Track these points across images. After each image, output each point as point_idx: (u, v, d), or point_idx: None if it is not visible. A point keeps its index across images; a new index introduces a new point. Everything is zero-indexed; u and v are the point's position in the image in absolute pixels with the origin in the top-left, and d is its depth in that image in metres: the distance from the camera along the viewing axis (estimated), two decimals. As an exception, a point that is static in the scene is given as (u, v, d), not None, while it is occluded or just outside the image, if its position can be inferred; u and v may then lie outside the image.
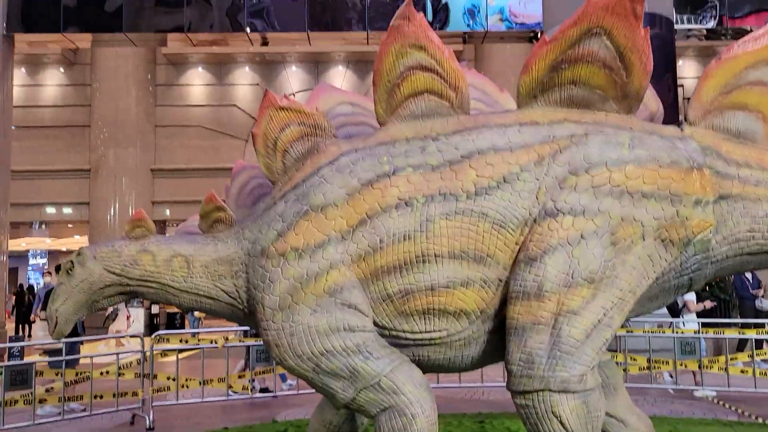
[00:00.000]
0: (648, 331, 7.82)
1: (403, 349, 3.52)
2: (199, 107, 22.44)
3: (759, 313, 10.52)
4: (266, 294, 3.44)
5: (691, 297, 8.42)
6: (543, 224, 3.35)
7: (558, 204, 3.35)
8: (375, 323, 3.46)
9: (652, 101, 3.97)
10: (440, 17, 17.21)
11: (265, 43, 19.79)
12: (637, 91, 3.52)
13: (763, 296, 10.62)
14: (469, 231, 3.37)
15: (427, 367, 3.60)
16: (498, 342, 3.46)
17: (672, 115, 11.20)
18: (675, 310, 8.65)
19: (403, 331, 3.48)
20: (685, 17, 15.44)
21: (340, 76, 22.29)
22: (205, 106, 22.42)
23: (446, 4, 17.48)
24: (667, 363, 7.45)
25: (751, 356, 7.29)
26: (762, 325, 8.34)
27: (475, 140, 3.50)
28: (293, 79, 22.83)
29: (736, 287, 11.33)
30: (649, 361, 7.46)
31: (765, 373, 6.77)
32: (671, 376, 8.34)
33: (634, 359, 7.67)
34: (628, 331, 7.75)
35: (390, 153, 3.52)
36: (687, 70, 23.44)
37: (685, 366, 7.47)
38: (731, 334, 7.96)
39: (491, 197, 3.39)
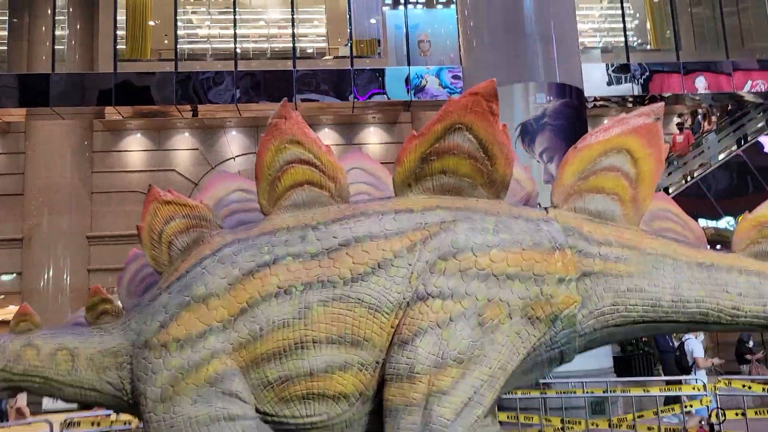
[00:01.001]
0: (561, 392, 8.04)
1: None
2: (137, 172, 22.31)
3: (681, 367, 10.78)
4: (148, 386, 3.51)
5: (700, 354, 8.65)
6: (415, 308, 3.54)
7: (428, 288, 3.56)
8: (257, 410, 3.56)
9: (528, 183, 4.29)
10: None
11: (195, 113, 20.03)
12: (502, 178, 3.82)
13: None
14: (346, 316, 3.53)
15: None
16: (380, 423, 3.59)
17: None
18: (685, 368, 8.80)
19: (285, 417, 3.58)
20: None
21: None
22: (144, 171, 22.31)
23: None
24: (580, 423, 7.67)
25: (656, 413, 7.58)
26: (679, 382, 8.59)
27: (353, 228, 3.71)
28: (233, 143, 23.00)
29: (658, 341, 11.73)
30: (562, 422, 7.67)
31: (673, 430, 7.04)
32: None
33: (549, 420, 7.86)
34: (542, 393, 7.96)
35: (271, 242, 3.69)
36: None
37: (597, 425, 7.70)
38: (642, 391, 8.24)
39: (367, 283, 3.57)
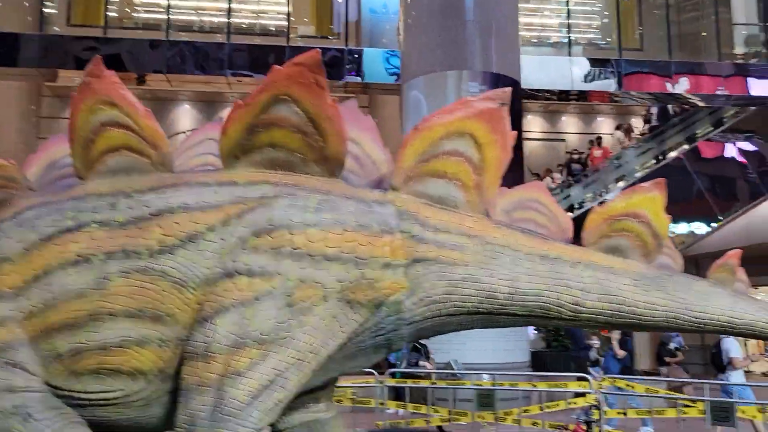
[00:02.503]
0: (450, 384, 7.99)
1: (80, 410, 3.42)
2: (83, 140, 21.74)
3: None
4: None
5: (736, 354, 8.56)
6: (220, 284, 3.36)
7: (236, 265, 3.38)
8: (48, 383, 3.36)
9: (384, 165, 4.12)
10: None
11: (141, 81, 19.52)
12: (336, 155, 3.63)
13: (592, 345, 11.00)
14: (147, 289, 3.34)
15: (112, 428, 3.51)
16: None
17: (516, 169, 11.76)
18: (720, 366, 8.73)
19: (77, 391, 3.39)
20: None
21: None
22: (90, 139, 21.73)
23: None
24: (466, 414, 7.62)
25: (541, 408, 7.56)
26: (585, 379, 8.54)
27: (169, 198, 3.50)
28: (185, 116, 22.57)
29: (574, 338, 11.80)
30: (450, 413, 7.62)
31: (557, 426, 7.02)
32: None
33: (437, 410, 7.81)
34: (432, 383, 7.91)
35: (77, 208, 3.47)
36: (569, 126, 24.78)
37: (483, 418, 7.66)
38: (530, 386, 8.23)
39: (174, 256, 3.38)
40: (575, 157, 18.62)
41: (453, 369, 9.81)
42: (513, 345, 11.40)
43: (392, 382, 7.83)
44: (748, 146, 17.08)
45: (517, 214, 4.14)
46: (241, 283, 3.35)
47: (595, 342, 11.20)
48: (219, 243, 3.42)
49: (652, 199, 4.08)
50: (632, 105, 19.15)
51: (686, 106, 16.91)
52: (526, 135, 24.48)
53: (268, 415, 3.35)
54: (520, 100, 12.43)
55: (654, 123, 16.89)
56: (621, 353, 9.73)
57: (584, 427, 6.84)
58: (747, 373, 21.04)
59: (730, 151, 16.64)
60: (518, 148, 11.98)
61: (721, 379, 8.67)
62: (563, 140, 24.10)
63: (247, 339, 3.29)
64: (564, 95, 15.83)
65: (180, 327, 3.37)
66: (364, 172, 4.00)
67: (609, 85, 14.63)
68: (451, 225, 3.77)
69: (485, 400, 7.45)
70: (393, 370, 10.41)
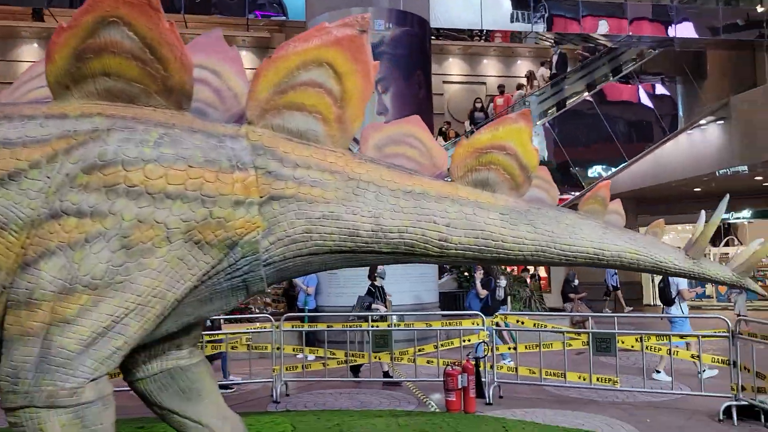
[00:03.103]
0: (347, 326, 7.96)
1: None
2: (-26, 84, 20.21)
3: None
4: None
5: (684, 285, 8.53)
6: (46, 226, 3.08)
7: (64, 204, 3.09)
8: None
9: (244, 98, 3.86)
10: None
11: (39, 18, 18.08)
12: (180, 86, 3.35)
13: (498, 285, 11.17)
14: None
15: None
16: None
17: (425, 110, 11.62)
18: (668, 299, 8.75)
19: None
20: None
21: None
22: (-16, 83, 20.22)
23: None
24: (363, 356, 7.64)
25: (436, 347, 7.65)
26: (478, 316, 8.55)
27: None
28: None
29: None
30: (346, 354, 7.61)
31: (456, 363, 7.10)
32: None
33: (333, 353, 7.79)
34: (328, 326, 7.85)
35: None
36: (490, 68, 24.76)
37: (379, 358, 7.70)
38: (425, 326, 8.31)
39: None
40: (478, 105, 18.49)
41: (371, 310, 9.81)
42: (422, 287, 11.51)
43: (287, 326, 7.71)
44: (656, 89, 17.51)
45: (389, 150, 3.99)
46: (69, 225, 3.08)
47: (501, 282, 11.38)
48: (44, 181, 3.13)
49: (518, 131, 3.99)
50: (543, 47, 19.21)
51: (585, 55, 17.01)
52: (446, 78, 24.40)
53: (105, 363, 3.14)
54: (429, 40, 12.13)
55: (554, 71, 16.89)
56: (483, 292, 9.81)
57: (473, 362, 6.95)
58: (655, 306, 22.27)
59: (638, 93, 17.01)
60: (427, 89, 11.80)
61: (668, 311, 8.93)
62: (484, 83, 24.10)
63: (76, 284, 3.04)
64: (475, 35, 15.56)
65: (3, 273, 3.09)
66: (225, 106, 3.74)
67: (520, 25, 14.46)
68: (311, 161, 3.58)
69: (381, 341, 7.47)
70: (302, 314, 10.35)
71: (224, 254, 3.41)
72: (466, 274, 13.67)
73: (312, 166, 3.59)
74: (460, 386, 6.72)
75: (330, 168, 3.65)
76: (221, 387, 7.57)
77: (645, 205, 23.90)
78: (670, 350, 6.80)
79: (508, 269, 14.43)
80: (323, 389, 7.96)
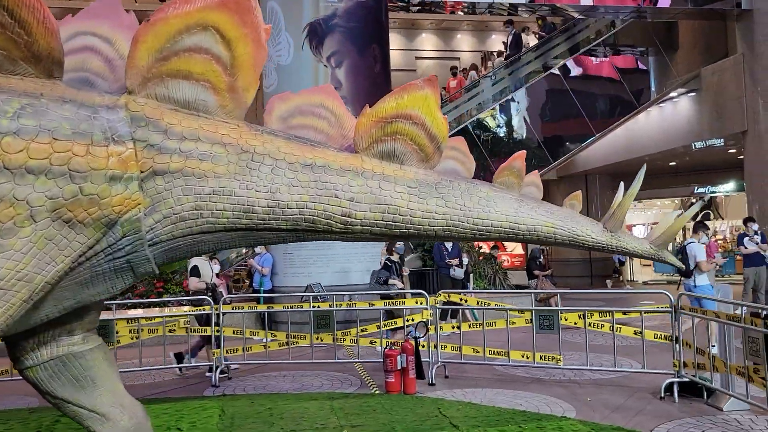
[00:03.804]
0: (288, 307, 7.76)
1: None
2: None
3: (455, 282, 10.86)
4: None
5: (702, 257, 8.29)
6: None
7: None
8: None
9: None
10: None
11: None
12: (48, 52, 3.08)
13: (457, 265, 11.02)
14: None
15: None
16: None
17: (381, 84, 11.31)
18: (687, 272, 8.44)
19: None
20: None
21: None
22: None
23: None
24: (305, 337, 7.45)
25: (379, 327, 7.47)
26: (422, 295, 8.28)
27: None
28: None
29: (435, 257, 11.81)
30: (287, 336, 7.42)
31: (396, 343, 6.93)
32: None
33: (274, 335, 7.60)
34: (269, 307, 7.66)
35: None
36: (464, 43, 24.43)
37: (321, 339, 7.52)
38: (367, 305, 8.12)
39: None
40: None
41: (314, 292, 9.61)
42: (378, 266, 11.29)
43: (227, 309, 7.50)
44: (625, 61, 17.22)
45: (295, 121, 3.75)
46: None
47: (464, 260, 11.23)
48: None
49: (424, 98, 3.74)
50: (521, 19, 18.81)
51: (542, 35, 16.62)
52: (419, 54, 24.04)
53: None
54: (386, 13, 11.75)
55: (508, 51, 16.45)
56: (405, 270, 9.52)
57: (412, 342, 6.77)
58: (633, 282, 22.28)
59: (606, 67, 16.73)
60: (384, 63, 11.47)
61: (687, 285, 8.68)
62: (458, 58, 23.77)
63: None
64: (425, 5, 15.08)
65: None
66: (115, 75, 3.45)
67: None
68: (201, 132, 3.33)
69: (323, 321, 7.28)
70: (244, 296, 10.12)
71: (102, 234, 3.17)
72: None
73: (201, 139, 3.35)
74: (399, 367, 6.55)
75: (222, 140, 3.41)
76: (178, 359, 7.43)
77: (621, 180, 23.63)
78: (612, 327, 6.64)
79: (476, 246, 14.27)
80: (270, 372, 7.80)
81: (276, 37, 10.99)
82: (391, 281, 8.23)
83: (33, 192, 2.97)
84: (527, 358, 6.90)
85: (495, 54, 17.65)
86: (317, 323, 7.24)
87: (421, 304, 7.32)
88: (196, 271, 7.99)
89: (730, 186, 23.94)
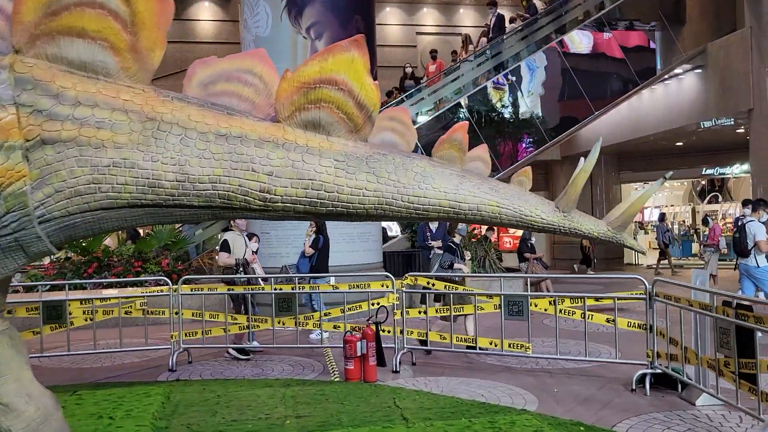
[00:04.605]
0: (249, 288, 7.44)
1: None
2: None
3: (740, 250, 9.74)
4: None
5: (762, 236, 7.99)
6: None
7: None
8: None
9: None
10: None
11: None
12: None
13: (439, 248, 10.61)
14: None
15: None
16: None
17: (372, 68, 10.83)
18: (743, 251, 8.27)
19: None
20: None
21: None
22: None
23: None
24: (266, 321, 7.14)
25: (342, 311, 7.13)
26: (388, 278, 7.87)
27: None
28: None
29: (417, 237, 11.43)
30: (248, 320, 7.11)
31: (357, 328, 6.61)
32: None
33: (235, 318, 7.30)
34: (229, 289, 7.35)
35: None
36: (466, 18, 23.80)
37: (284, 324, 7.22)
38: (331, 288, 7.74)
39: None
40: (408, 71, 17.09)
41: (288, 273, 9.29)
42: (362, 246, 10.98)
43: (186, 290, 7.20)
44: (628, 37, 16.58)
45: (217, 87, 3.37)
46: None
47: (438, 244, 10.76)
48: None
49: (350, 62, 3.34)
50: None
51: (525, 16, 15.97)
52: (420, 29, 23.44)
53: None
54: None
55: (491, 34, 15.80)
56: (309, 251, 8.96)
57: (373, 327, 6.44)
58: (636, 266, 21.53)
59: (609, 43, 16.11)
60: (368, 37, 10.99)
61: (744, 264, 8.38)
62: (459, 34, 23.14)
63: None
64: None
65: None
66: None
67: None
68: (98, 98, 2.98)
69: (285, 304, 6.96)
70: (200, 276, 9.78)
71: None
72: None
73: (99, 104, 3.01)
74: (359, 353, 6.24)
75: (123, 107, 3.06)
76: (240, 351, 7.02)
77: (626, 161, 23.09)
78: (584, 314, 6.27)
79: (470, 228, 13.86)
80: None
81: (254, 6, 10.57)
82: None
83: None
84: (495, 345, 6.55)
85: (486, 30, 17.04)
86: (279, 306, 6.93)
87: (387, 287, 6.98)
88: (226, 246, 7.55)
89: (742, 167, 23.23)
